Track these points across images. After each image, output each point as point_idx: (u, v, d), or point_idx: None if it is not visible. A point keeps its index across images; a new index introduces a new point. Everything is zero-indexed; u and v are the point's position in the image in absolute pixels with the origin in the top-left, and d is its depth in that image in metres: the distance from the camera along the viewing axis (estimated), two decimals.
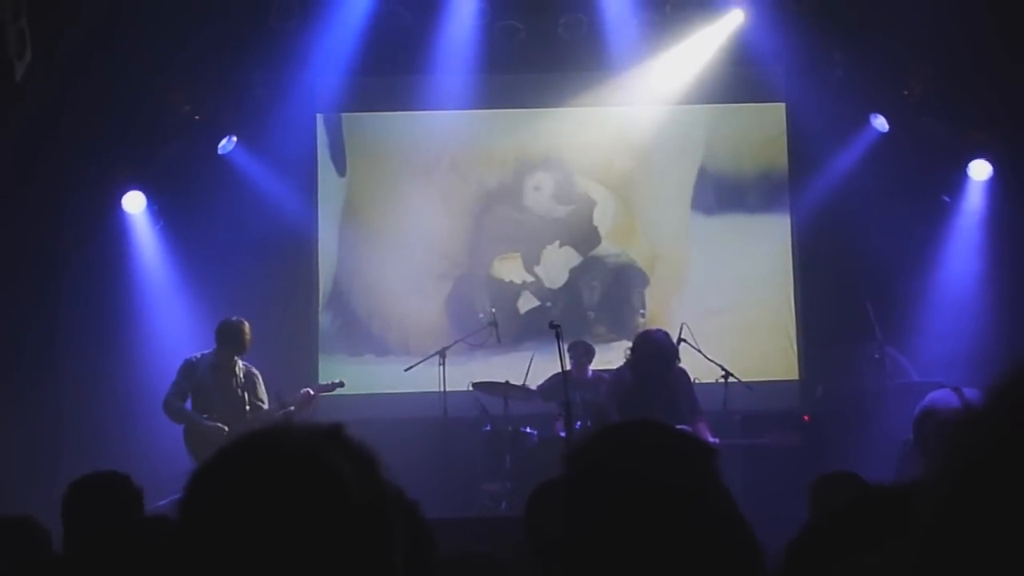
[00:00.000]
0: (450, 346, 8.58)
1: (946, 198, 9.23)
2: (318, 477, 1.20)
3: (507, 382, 8.17)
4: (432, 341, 8.97)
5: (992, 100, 8.77)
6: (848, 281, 8.92)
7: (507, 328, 8.92)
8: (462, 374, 8.58)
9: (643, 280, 9.63)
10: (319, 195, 9.66)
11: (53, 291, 8.93)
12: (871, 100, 9.19)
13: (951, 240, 9.17)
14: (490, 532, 5.66)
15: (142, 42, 8.52)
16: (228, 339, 7.73)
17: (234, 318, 7.79)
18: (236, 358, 7.78)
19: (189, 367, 7.74)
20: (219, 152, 9.18)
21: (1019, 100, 8.60)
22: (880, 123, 9.19)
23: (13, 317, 8.55)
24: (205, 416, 7.62)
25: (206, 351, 7.82)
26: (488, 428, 8.21)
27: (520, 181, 9.71)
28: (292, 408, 7.74)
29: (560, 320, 7.41)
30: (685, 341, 7.57)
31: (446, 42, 9.20)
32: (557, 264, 9.66)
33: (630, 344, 7.49)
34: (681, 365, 7.39)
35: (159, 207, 9.15)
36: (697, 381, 7.55)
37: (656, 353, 7.13)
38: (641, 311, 9.55)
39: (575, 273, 9.67)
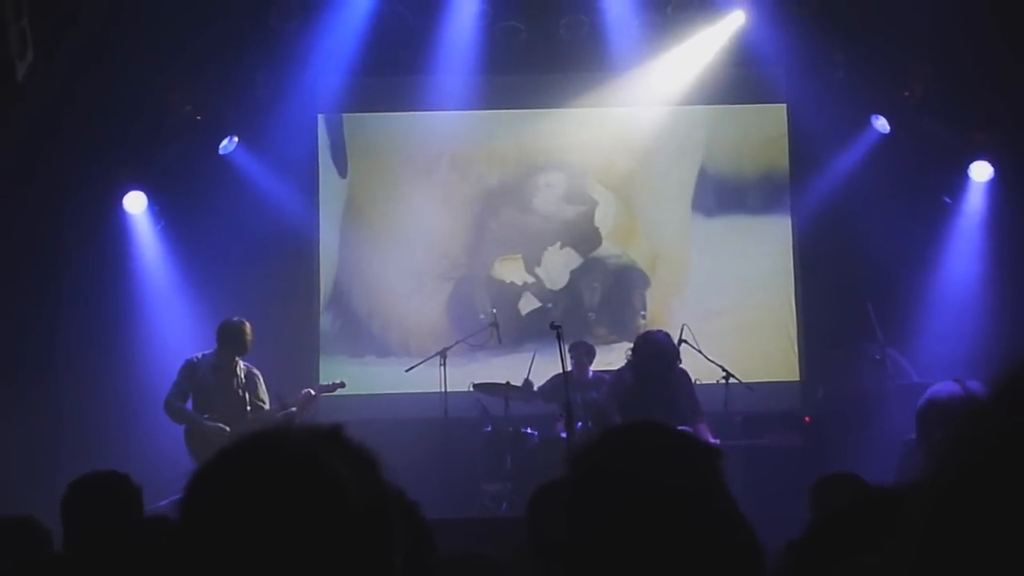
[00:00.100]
0: (451, 347, 8.58)
1: (947, 199, 9.22)
2: (319, 478, 1.20)
3: (508, 383, 8.17)
4: (433, 342, 8.96)
5: (993, 101, 8.77)
6: (849, 282, 8.92)
7: (508, 329, 8.91)
8: (463, 375, 8.58)
9: (644, 281, 9.63)
10: (320, 195, 9.66)
11: (54, 291, 8.92)
12: (872, 101, 9.19)
13: (952, 241, 9.16)
14: (490, 533, 5.65)
15: (143, 42, 8.52)
16: (229, 339, 7.73)
17: (235, 318, 7.79)
18: (237, 358, 7.78)
19: (190, 367, 7.74)
20: (220, 152, 9.18)
21: (1020, 101, 8.60)
22: (881, 124, 9.18)
23: (14, 317, 8.55)
24: (206, 416, 7.62)
25: (207, 351, 7.82)
26: (489, 429, 8.21)
27: (521, 182, 9.70)
28: (293, 409, 7.74)
29: (561, 321, 7.40)
30: (686, 342, 7.56)
31: (447, 43, 9.20)
32: (558, 265, 9.66)
33: (631, 345, 7.49)
34: (682, 366, 7.39)
35: (160, 207, 9.15)
36: (698, 382, 7.55)
37: (657, 354, 7.12)
38: (642, 312, 9.55)
39: (576, 274, 9.66)
